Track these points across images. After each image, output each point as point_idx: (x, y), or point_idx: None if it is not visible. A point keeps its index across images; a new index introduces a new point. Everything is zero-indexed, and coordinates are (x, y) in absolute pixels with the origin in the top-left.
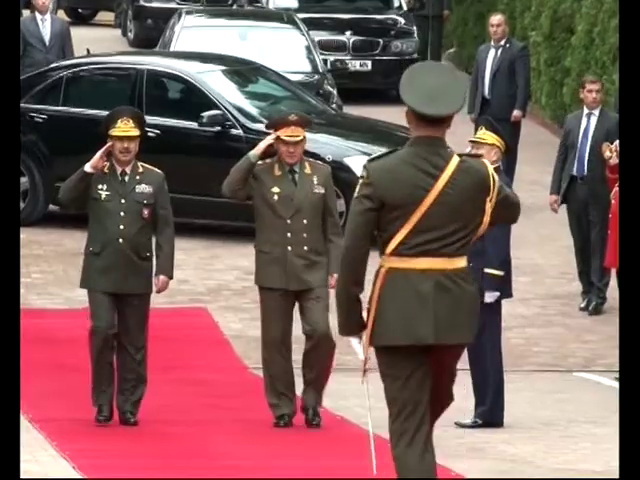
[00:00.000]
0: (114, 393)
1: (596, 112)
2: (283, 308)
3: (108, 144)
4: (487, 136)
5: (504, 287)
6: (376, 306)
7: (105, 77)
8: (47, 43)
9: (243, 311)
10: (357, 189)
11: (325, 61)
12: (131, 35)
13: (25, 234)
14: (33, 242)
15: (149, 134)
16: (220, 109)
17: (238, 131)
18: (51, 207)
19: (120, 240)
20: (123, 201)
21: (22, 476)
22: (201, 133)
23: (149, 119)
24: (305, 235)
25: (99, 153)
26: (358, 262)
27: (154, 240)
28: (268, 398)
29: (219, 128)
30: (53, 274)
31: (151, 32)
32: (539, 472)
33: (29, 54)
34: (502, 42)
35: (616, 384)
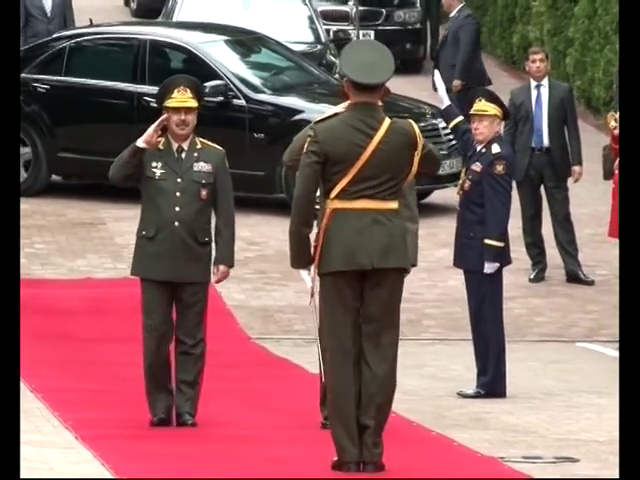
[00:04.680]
0: (172, 394)
1: (544, 83)
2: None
3: (163, 116)
4: (488, 107)
5: (503, 257)
6: (322, 240)
7: (108, 47)
8: (49, 14)
9: (245, 281)
10: (305, 146)
11: (328, 31)
12: (134, 5)
13: (28, 204)
14: (36, 212)
15: (152, 105)
16: (223, 79)
17: (241, 101)
18: (54, 177)
19: (176, 223)
20: (179, 180)
21: (24, 445)
22: (203, 103)
23: (151, 89)
24: None
25: (153, 126)
26: (308, 207)
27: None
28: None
29: (222, 98)
30: (56, 244)
31: (154, 2)
32: (542, 442)
33: (31, 25)
34: (453, 13)
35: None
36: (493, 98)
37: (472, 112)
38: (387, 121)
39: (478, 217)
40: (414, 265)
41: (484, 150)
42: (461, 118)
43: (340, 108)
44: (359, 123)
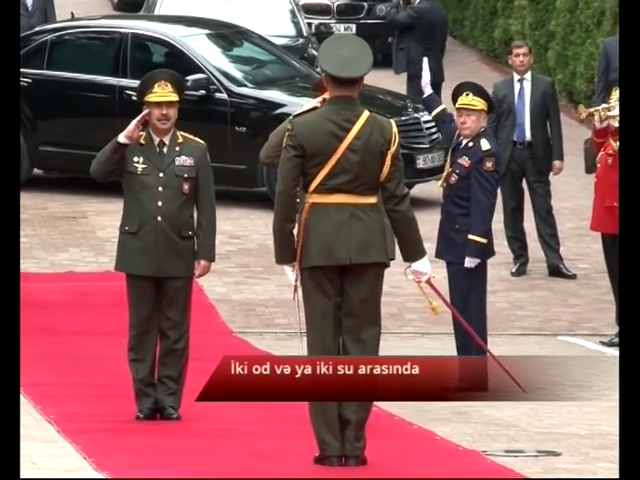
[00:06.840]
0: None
1: (527, 77)
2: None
3: (144, 111)
4: (476, 102)
5: (485, 252)
6: (303, 235)
7: (89, 41)
8: (30, 8)
9: (227, 275)
10: (284, 140)
11: (309, 25)
12: None
13: None
14: None
15: (134, 98)
16: (205, 73)
17: (223, 95)
18: (35, 171)
19: (159, 218)
20: (161, 175)
21: None
22: (186, 97)
23: (133, 83)
24: None
25: (134, 122)
26: (290, 202)
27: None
28: None
29: (204, 92)
30: (38, 238)
31: None
32: (524, 436)
33: None
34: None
35: (601, 347)
36: (481, 92)
37: (459, 106)
38: (365, 114)
39: (463, 210)
40: (392, 259)
41: (471, 144)
42: (443, 107)
43: (316, 102)
44: (337, 116)
